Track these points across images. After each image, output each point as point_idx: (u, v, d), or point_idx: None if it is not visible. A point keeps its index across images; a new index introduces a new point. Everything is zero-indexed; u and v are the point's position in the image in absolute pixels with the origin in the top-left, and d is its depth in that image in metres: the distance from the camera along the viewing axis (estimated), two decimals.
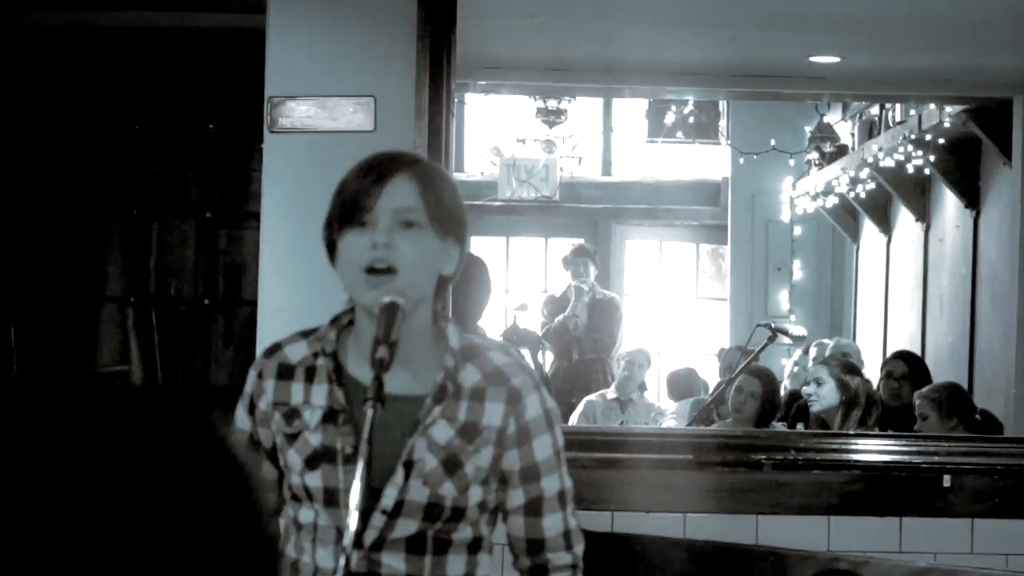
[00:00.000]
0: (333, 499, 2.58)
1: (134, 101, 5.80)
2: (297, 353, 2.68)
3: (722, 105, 13.05)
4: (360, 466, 2.39)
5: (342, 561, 2.37)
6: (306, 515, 2.63)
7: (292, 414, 2.64)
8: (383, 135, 4.67)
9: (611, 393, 8.46)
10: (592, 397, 8.47)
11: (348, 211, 2.57)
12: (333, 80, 4.74)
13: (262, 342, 4.68)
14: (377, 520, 2.57)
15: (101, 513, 0.82)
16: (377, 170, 2.58)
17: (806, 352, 9.05)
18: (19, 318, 5.73)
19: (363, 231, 2.55)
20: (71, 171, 5.81)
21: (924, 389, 6.42)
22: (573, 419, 8.19)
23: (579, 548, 2.74)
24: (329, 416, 2.61)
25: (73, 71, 5.78)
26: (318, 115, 4.72)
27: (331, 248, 2.63)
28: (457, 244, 2.63)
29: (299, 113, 4.72)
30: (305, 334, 2.71)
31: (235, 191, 5.80)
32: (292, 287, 4.73)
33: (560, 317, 9.72)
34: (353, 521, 2.37)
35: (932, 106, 9.06)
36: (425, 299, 2.61)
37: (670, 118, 12.50)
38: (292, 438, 2.63)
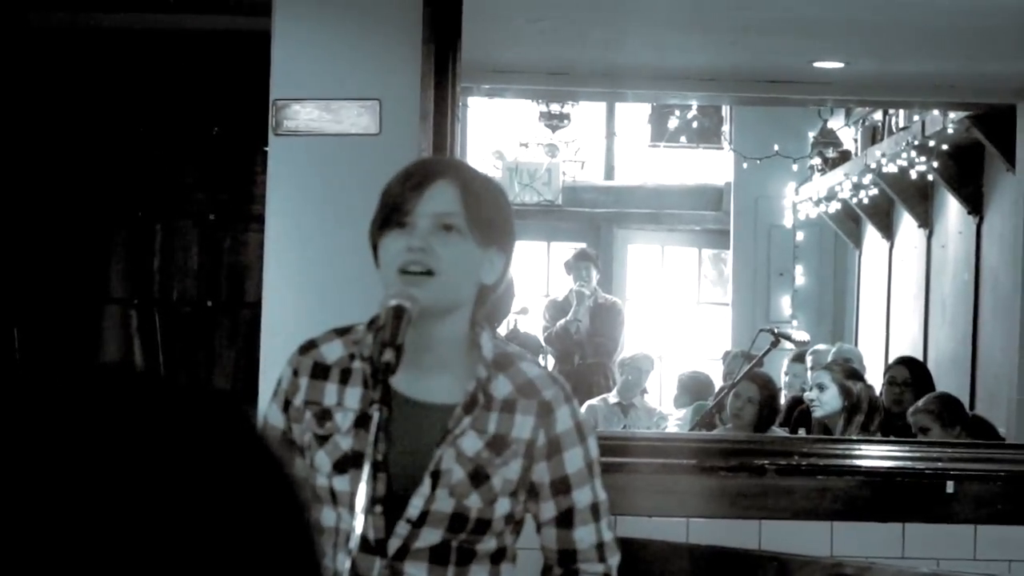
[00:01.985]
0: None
1: (139, 103, 5.80)
2: (333, 353, 2.66)
3: (725, 110, 13.06)
4: (366, 469, 2.39)
5: (347, 564, 2.37)
6: (328, 518, 2.61)
7: (324, 415, 2.63)
8: (388, 139, 4.67)
9: (613, 397, 8.45)
10: (594, 401, 8.47)
11: (388, 213, 2.56)
12: (338, 83, 4.74)
13: (265, 344, 4.68)
14: (402, 529, 2.57)
15: (140, 508, 0.82)
16: (419, 174, 2.58)
17: (797, 360, 9.02)
18: (23, 320, 5.73)
19: (401, 233, 2.54)
20: (75, 173, 5.81)
21: (918, 403, 6.41)
22: None
23: (613, 560, 2.72)
24: (361, 420, 2.59)
25: (77, 73, 5.78)
26: (323, 118, 4.72)
27: (375, 251, 2.62)
28: (501, 253, 2.61)
29: (304, 116, 4.72)
30: (340, 332, 2.70)
31: (239, 194, 5.80)
32: (296, 289, 4.73)
33: (562, 321, 9.72)
34: (359, 525, 2.37)
35: (935, 112, 9.07)
36: (462, 305, 2.60)
37: (673, 123, 12.50)
38: (322, 439, 2.62)
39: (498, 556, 2.65)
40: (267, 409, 2.71)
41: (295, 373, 2.68)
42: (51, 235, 5.80)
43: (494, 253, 2.60)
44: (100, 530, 0.80)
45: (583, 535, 2.67)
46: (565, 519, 2.66)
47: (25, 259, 5.76)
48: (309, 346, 2.69)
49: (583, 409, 8.27)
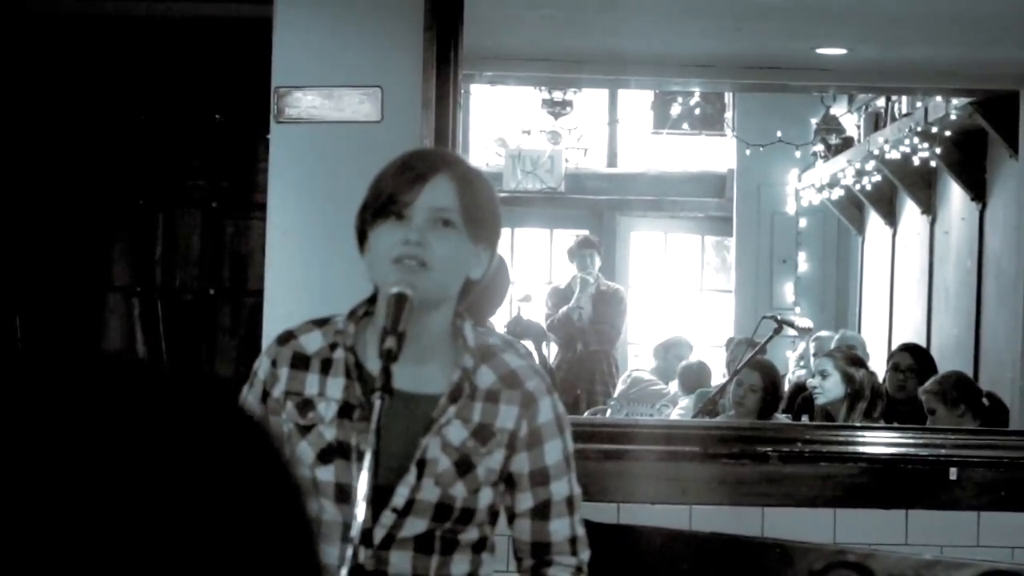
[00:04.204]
0: (345, 495, 2.56)
1: (141, 91, 5.80)
2: (312, 343, 2.66)
3: (728, 97, 13.04)
4: (368, 457, 2.39)
5: (350, 552, 2.36)
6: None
7: (306, 405, 2.63)
8: (390, 126, 4.67)
9: (652, 377, 8.52)
10: (641, 375, 8.52)
11: (384, 203, 2.56)
12: (340, 70, 4.74)
13: (268, 332, 4.67)
14: (387, 518, 2.57)
15: (141, 497, 0.81)
16: (418, 167, 2.58)
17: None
18: (25, 308, 5.73)
19: (398, 224, 2.54)
20: (77, 161, 5.80)
21: (927, 384, 6.41)
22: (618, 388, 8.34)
23: (584, 555, 2.74)
24: (345, 411, 2.60)
25: (79, 61, 5.78)
26: (324, 105, 4.71)
27: (361, 237, 2.62)
28: (488, 249, 2.63)
29: (306, 103, 4.72)
30: (319, 323, 2.69)
31: (241, 181, 5.79)
32: (298, 277, 4.73)
33: (564, 308, 9.72)
34: (361, 513, 2.36)
35: (938, 98, 9.05)
36: (449, 299, 2.61)
37: (676, 110, 12.49)
38: (305, 430, 2.62)
39: (479, 546, 2.67)
40: (242, 401, 2.67)
41: (274, 364, 2.67)
42: (53, 223, 5.79)
43: (482, 248, 2.62)
44: (97, 520, 0.80)
45: (558, 528, 2.69)
46: (541, 511, 2.68)
47: (27, 247, 5.76)
48: (287, 337, 2.69)
49: (626, 376, 8.34)
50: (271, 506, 0.86)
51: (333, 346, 2.65)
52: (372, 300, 2.65)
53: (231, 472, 0.85)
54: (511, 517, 2.71)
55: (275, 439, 0.90)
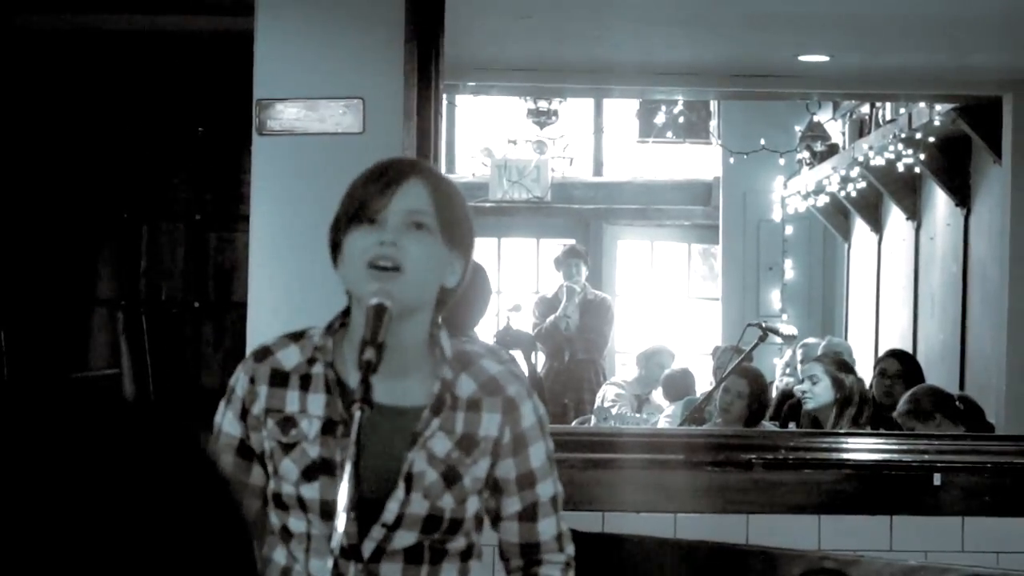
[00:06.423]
0: (330, 511, 2.55)
1: (123, 104, 5.80)
2: (290, 359, 2.64)
3: (712, 105, 13.06)
4: (348, 469, 2.38)
5: (330, 563, 2.36)
6: (297, 524, 2.60)
7: (287, 423, 2.61)
8: (372, 137, 4.67)
9: (634, 387, 8.51)
10: (620, 389, 8.51)
11: (357, 210, 2.56)
12: (321, 82, 4.74)
13: (252, 344, 4.65)
14: (377, 532, 2.57)
15: (81, 522, 0.81)
16: (390, 173, 2.58)
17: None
18: (10, 321, 5.73)
19: (371, 228, 2.53)
20: (61, 175, 5.80)
21: (898, 407, 6.40)
22: (596, 402, 8.34)
23: (571, 549, 2.76)
24: (328, 427, 2.58)
25: (62, 74, 5.78)
26: (307, 117, 4.71)
27: (335, 248, 2.60)
28: (462, 257, 2.62)
29: (288, 115, 4.72)
30: (294, 337, 2.68)
31: (225, 194, 5.80)
32: (282, 289, 4.72)
33: (552, 318, 9.72)
34: (341, 524, 2.36)
35: (922, 105, 9.08)
36: (425, 307, 2.59)
37: (661, 118, 12.51)
38: (288, 447, 2.60)
39: (467, 553, 2.67)
40: (220, 418, 2.68)
41: (252, 381, 2.64)
42: (38, 237, 5.79)
43: (456, 256, 2.61)
44: (30, 542, 0.80)
45: (545, 527, 2.71)
46: (529, 513, 2.69)
47: (12, 261, 5.75)
48: (264, 353, 2.66)
49: (605, 390, 8.33)
50: (206, 524, 0.86)
51: (311, 361, 2.63)
52: (347, 312, 2.65)
53: (165, 492, 0.85)
54: (496, 520, 2.71)
55: (215, 457, 0.90)
